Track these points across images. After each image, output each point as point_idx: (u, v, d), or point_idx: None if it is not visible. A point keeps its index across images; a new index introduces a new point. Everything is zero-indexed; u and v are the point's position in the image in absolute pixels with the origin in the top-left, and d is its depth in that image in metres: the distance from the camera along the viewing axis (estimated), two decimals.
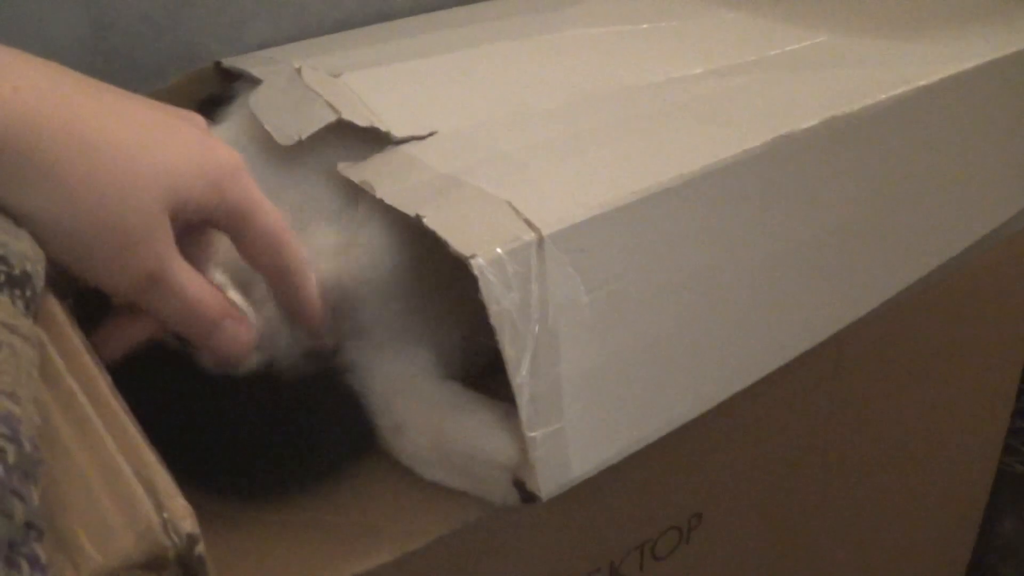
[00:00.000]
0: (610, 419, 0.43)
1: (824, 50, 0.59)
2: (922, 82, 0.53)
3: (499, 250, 0.38)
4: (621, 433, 0.43)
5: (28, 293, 0.30)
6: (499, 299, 0.37)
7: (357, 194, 0.44)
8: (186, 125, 0.38)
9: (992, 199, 0.62)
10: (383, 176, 0.43)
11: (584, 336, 0.41)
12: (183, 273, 0.36)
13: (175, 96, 0.55)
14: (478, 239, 0.38)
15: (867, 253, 0.54)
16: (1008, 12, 0.65)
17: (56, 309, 0.33)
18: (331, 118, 0.45)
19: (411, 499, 0.43)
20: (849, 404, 0.62)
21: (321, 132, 0.45)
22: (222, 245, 0.41)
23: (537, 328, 0.39)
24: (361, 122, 0.45)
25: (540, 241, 0.39)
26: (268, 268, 0.40)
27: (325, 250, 0.43)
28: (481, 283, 0.37)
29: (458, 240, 0.38)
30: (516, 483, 0.41)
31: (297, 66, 0.50)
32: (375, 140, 0.46)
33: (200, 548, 0.27)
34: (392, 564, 0.40)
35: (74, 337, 0.32)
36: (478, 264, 0.37)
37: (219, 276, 0.42)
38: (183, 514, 0.27)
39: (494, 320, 0.37)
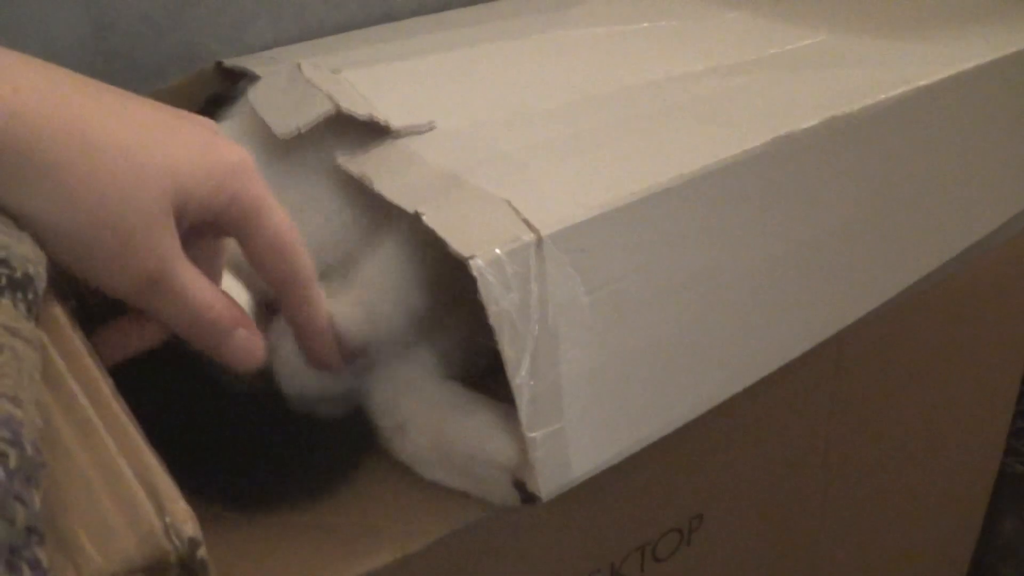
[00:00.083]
0: (610, 419, 0.43)
1: (824, 50, 0.59)
2: (922, 82, 0.53)
3: (498, 251, 0.38)
4: (621, 433, 0.43)
5: (30, 296, 0.29)
6: (498, 300, 0.37)
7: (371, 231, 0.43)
8: (191, 125, 0.37)
9: (992, 199, 0.62)
10: (382, 170, 0.43)
11: (584, 336, 0.41)
12: (186, 275, 0.35)
13: (176, 96, 0.56)
14: (477, 239, 0.38)
15: (867, 253, 0.54)
16: (1008, 12, 0.65)
17: (58, 311, 0.32)
18: (330, 110, 0.44)
19: (411, 499, 0.43)
20: (850, 404, 0.62)
21: (321, 131, 0.45)
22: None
23: (537, 328, 0.39)
24: (360, 115, 0.45)
25: (539, 242, 0.39)
26: (274, 274, 0.38)
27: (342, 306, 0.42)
28: (480, 284, 0.37)
29: (457, 240, 0.38)
30: (516, 483, 0.41)
31: (298, 63, 0.50)
32: (375, 140, 0.46)
33: (202, 552, 0.26)
34: (392, 565, 0.40)
35: (76, 339, 0.32)
36: (477, 265, 0.37)
37: (235, 284, 0.41)
38: (184, 518, 0.26)
39: (493, 321, 0.37)
